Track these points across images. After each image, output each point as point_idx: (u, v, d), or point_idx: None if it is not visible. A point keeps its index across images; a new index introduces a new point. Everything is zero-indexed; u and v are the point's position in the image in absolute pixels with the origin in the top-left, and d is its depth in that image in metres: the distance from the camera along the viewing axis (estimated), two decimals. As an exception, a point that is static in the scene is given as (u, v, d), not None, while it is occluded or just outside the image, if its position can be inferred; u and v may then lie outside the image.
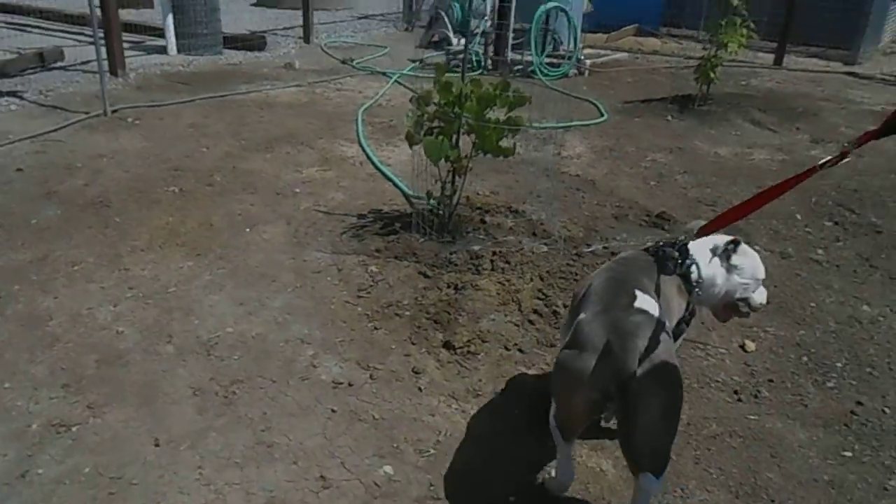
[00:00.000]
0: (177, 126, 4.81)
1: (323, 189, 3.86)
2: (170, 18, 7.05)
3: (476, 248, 3.03)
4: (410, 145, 3.05)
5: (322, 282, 2.89)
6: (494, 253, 2.99)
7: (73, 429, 2.03)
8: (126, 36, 7.66)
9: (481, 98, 2.91)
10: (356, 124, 4.99)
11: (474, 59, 7.59)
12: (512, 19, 7.36)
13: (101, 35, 5.40)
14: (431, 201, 3.21)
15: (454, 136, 3.02)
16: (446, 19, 8.66)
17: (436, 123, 2.98)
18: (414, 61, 7.79)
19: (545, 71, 7.22)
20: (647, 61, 8.22)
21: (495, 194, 3.83)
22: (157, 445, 1.98)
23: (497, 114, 3.00)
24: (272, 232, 3.33)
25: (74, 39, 7.46)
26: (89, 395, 2.17)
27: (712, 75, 5.64)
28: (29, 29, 7.90)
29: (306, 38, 8.46)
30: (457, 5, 8.78)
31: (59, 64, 6.45)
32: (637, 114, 5.74)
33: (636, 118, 5.61)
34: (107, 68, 5.96)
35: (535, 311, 2.65)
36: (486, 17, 8.29)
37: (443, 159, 2.98)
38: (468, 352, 2.41)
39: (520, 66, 7.36)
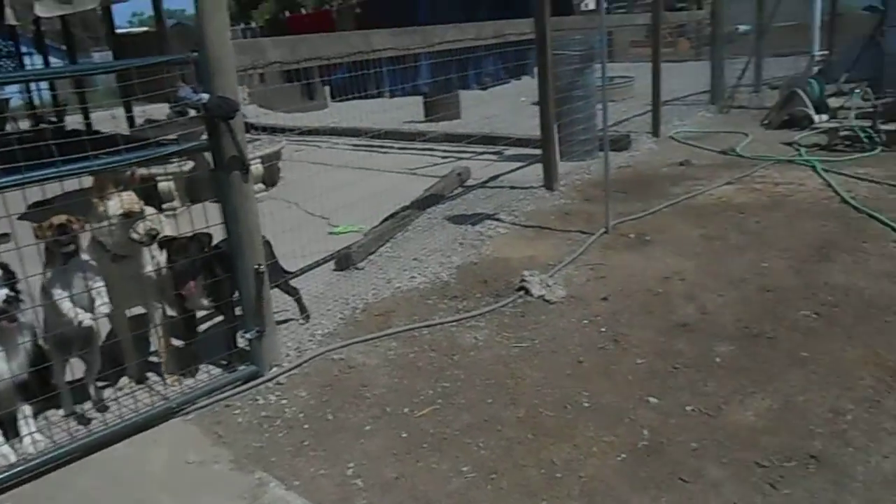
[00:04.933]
0: (688, 238, 4.61)
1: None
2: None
3: None
4: None
5: None
6: None
7: None
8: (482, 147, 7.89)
9: None
10: (881, 221, 4.53)
11: (863, 135, 6.96)
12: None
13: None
14: None
15: None
16: (804, 97, 8.18)
17: None
18: (788, 144, 7.35)
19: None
20: None
21: None
22: None
23: None
24: None
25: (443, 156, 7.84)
26: None
27: None
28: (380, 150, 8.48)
29: (655, 131, 8.31)
30: (814, 82, 8.29)
31: (470, 182, 6.71)
32: None
33: None
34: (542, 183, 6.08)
35: None
36: (856, 90, 7.72)
37: None
38: None
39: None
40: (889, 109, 7.17)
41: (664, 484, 2.34)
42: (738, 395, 2.80)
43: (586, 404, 2.84)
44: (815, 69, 8.61)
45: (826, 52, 9.26)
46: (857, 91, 7.66)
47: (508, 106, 10.71)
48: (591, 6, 8.33)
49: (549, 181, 6.01)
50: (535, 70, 6.09)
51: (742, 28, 10.76)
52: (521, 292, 3.93)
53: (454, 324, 3.64)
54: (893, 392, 2.71)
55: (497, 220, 5.33)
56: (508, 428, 2.72)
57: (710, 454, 2.47)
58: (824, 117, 8.06)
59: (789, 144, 7.28)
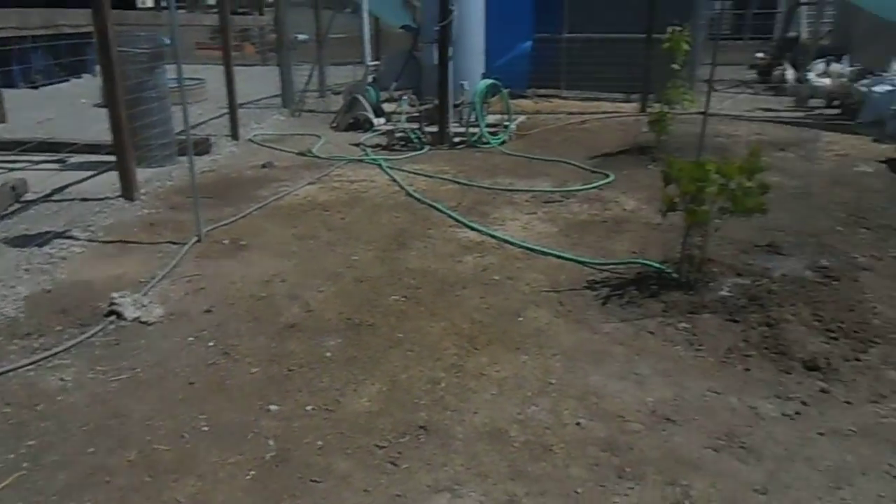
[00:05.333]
0: (283, 239, 4.70)
1: (513, 272, 4.17)
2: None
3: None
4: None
5: (667, 347, 3.27)
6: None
7: None
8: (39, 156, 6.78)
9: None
10: (439, 210, 5.29)
11: (413, 136, 8.07)
12: (451, 95, 8.02)
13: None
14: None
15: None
16: (364, 102, 9.05)
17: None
18: (356, 145, 8.08)
19: (490, 140, 7.98)
20: (556, 120, 9.37)
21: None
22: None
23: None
24: (537, 314, 3.62)
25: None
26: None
27: (666, 127, 6.88)
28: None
29: (234, 134, 8.25)
30: (371, 89, 9.23)
31: (29, 196, 5.70)
32: (619, 167, 6.71)
33: (625, 171, 6.57)
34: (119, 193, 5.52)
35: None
36: (404, 97, 8.86)
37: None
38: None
39: (464, 138, 8.03)
40: (430, 114, 8.39)
41: (297, 490, 2.36)
42: (352, 385, 2.97)
43: (205, 428, 2.69)
44: (371, 77, 9.61)
45: (377, 63, 10.39)
46: (405, 98, 8.78)
47: (68, 108, 9.42)
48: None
49: (128, 190, 5.48)
50: (98, 68, 5.45)
51: (301, 37, 11.31)
52: (112, 317, 3.51)
53: (31, 367, 3.06)
54: (471, 355, 3.21)
55: (70, 237, 4.65)
56: (119, 476, 2.41)
57: (335, 448, 2.57)
58: (382, 120, 9.07)
59: (357, 145, 7.98)
